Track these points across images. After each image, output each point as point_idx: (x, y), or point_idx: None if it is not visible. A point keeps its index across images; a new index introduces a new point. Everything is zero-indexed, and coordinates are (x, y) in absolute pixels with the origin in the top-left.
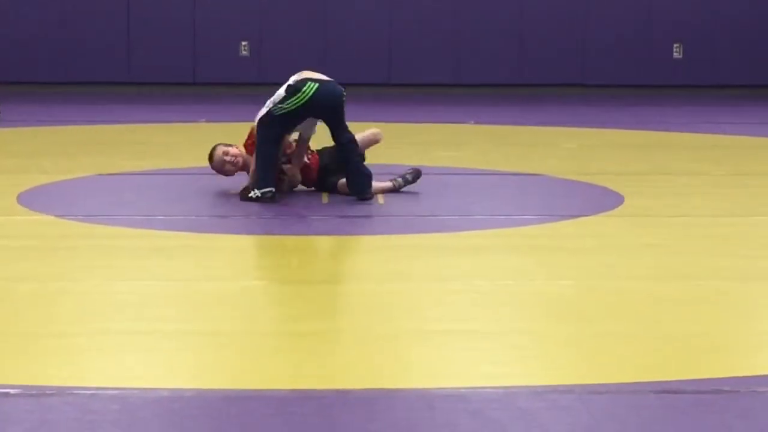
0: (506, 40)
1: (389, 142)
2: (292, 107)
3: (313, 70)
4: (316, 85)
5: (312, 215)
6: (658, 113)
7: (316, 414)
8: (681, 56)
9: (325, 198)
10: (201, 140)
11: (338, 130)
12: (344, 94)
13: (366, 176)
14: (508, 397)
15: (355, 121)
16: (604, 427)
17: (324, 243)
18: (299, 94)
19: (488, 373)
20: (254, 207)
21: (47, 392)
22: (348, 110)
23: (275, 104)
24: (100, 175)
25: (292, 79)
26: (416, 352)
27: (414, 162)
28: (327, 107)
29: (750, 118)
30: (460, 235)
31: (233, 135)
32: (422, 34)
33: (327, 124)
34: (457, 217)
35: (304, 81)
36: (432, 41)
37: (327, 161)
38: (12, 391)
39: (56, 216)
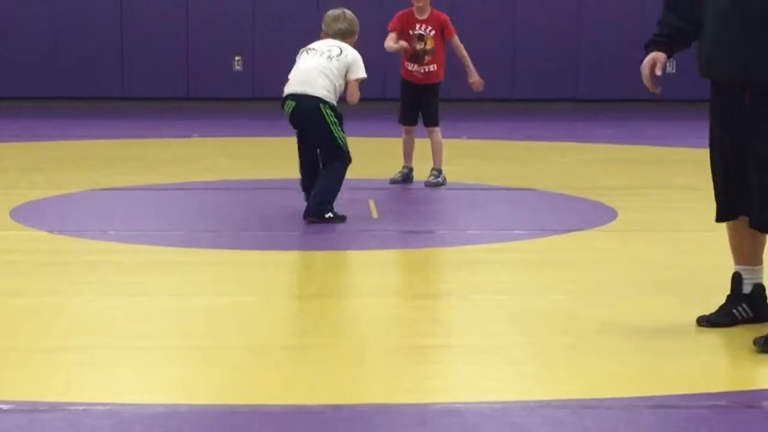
0: (499, 55)
1: (382, 158)
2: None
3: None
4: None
5: (306, 230)
6: (651, 128)
7: (311, 429)
8: (674, 71)
9: None
10: (193, 156)
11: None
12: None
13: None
14: (502, 412)
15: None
16: None
17: (318, 258)
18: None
19: (482, 388)
20: (248, 223)
21: (40, 408)
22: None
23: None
24: (92, 190)
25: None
26: (411, 367)
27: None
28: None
29: None
30: (454, 250)
31: (226, 150)
32: None
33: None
34: (450, 232)
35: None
36: None
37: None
38: (4, 407)
39: (49, 231)
